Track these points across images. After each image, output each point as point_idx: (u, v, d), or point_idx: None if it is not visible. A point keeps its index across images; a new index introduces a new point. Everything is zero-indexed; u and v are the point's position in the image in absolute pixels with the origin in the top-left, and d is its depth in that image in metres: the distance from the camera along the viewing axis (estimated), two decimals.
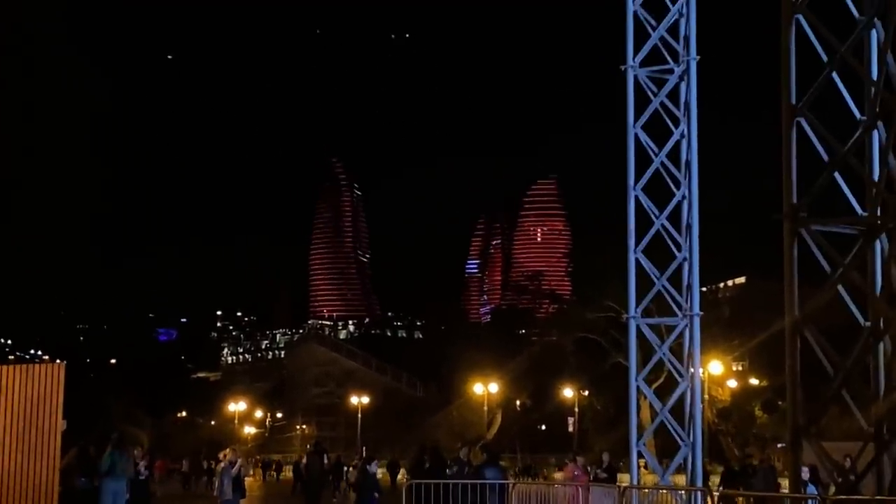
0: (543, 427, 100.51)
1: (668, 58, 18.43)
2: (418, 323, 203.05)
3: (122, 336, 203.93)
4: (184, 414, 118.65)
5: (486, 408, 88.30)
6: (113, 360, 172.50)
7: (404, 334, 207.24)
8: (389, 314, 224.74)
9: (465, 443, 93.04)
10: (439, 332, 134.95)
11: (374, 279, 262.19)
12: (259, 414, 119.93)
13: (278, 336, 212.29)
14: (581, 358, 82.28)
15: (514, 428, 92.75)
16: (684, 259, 17.08)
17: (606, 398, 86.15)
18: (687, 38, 18.21)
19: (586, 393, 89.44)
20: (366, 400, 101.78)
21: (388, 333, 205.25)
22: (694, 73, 17.99)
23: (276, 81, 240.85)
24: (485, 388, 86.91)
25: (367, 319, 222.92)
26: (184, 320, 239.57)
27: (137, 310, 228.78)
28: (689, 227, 17.61)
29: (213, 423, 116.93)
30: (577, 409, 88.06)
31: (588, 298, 75.77)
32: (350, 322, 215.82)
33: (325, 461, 26.68)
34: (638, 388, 20.69)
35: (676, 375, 17.54)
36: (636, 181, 17.90)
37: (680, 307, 17.73)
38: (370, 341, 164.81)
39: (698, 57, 17.97)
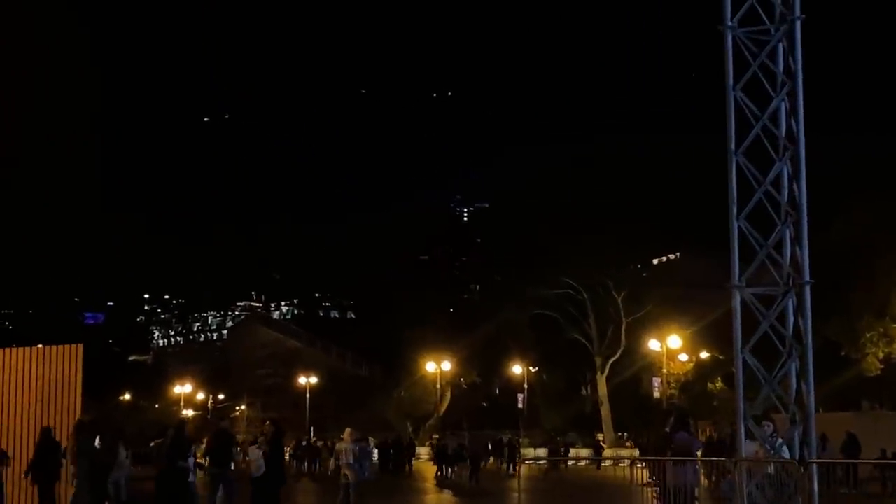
0: (485, 404, 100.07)
1: (766, 18, 17.62)
2: (350, 303, 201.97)
3: (48, 320, 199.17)
4: (128, 397, 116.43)
5: (438, 386, 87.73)
6: (40, 345, 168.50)
7: (336, 315, 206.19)
8: (317, 295, 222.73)
9: (414, 420, 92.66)
10: (377, 311, 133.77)
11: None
12: (201, 396, 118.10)
13: (210, 319, 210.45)
14: (536, 334, 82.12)
15: (463, 405, 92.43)
16: (791, 224, 16.34)
17: (559, 375, 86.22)
18: None
19: (535, 370, 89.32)
20: (314, 380, 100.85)
21: (321, 314, 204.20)
22: (798, 33, 17.19)
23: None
24: (437, 367, 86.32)
25: (296, 301, 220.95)
26: (111, 304, 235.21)
27: (62, 294, 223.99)
28: (791, 194, 16.92)
29: (156, 406, 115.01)
30: (526, 386, 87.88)
31: (544, 275, 75.39)
32: (283, 303, 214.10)
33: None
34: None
35: (779, 345, 16.67)
36: (737, 146, 17.14)
37: (782, 277, 16.92)
38: (309, 322, 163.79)
39: (803, 16, 17.18)
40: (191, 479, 23.28)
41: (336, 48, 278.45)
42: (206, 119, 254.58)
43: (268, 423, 25.95)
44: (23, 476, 24.26)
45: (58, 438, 24.79)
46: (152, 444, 28.03)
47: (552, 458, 58.23)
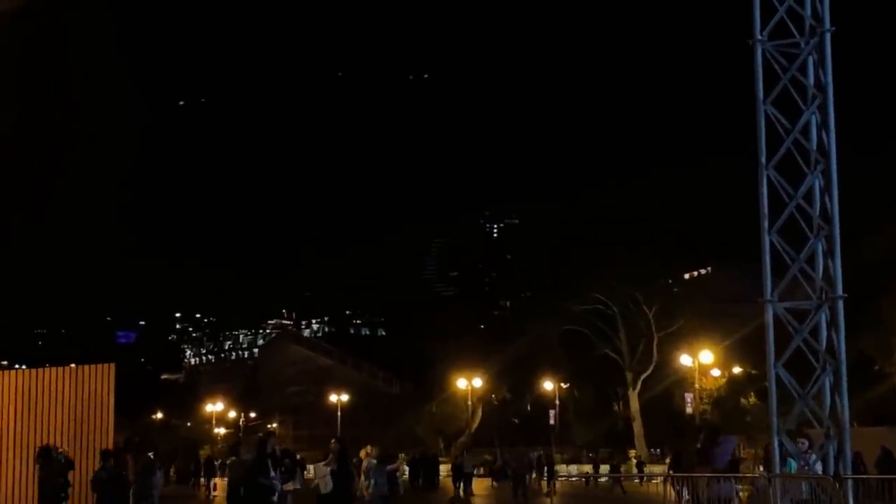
0: (516, 420, 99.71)
1: (795, 31, 17.53)
2: (381, 320, 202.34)
3: (81, 340, 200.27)
4: (160, 415, 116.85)
5: (469, 402, 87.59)
6: (73, 365, 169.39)
7: (367, 332, 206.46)
8: (347, 312, 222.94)
9: (445, 437, 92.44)
10: (407, 327, 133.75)
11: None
12: (232, 414, 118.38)
13: (241, 337, 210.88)
14: (566, 350, 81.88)
15: (494, 421, 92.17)
16: (824, 238, 16.25)
17: (590, 391, 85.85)
18: (816, 9, 17.36)
19: (566, 386, 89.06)
20: (345, 398, 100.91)
21: (352, 332, 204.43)
22: (828, 46, 17.10)
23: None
24: (468, 383, 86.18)
25: (326, 318, 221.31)
26: (142, 323, 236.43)
27: (95, 313, 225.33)
28: (823, 208, 16.80)
29: (188, 424, 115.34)
30: (557, 402, 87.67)
31: (574, 290, 75.18)
32: (314, 321, 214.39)
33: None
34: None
35: (812, 360, 16.53)
36: (768, 160, 17.06)
37: (814, 291, 16.80)
38: (339, 339, 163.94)
39: (833, 28, 17.07)
40: (275, 498, 23.13)
41: (373, 66, 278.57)
42: (241, 146, 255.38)
43: (334, 441, 25.87)
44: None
45: (93, 452, 24.96)
46: (228, 461, 28.09)
47: (613, 475, 57.54)
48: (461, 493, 49.91)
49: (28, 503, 25.42)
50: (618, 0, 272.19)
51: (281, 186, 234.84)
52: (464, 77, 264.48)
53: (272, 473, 22.95)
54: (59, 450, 24.32)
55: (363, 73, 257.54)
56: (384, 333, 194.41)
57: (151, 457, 38.96)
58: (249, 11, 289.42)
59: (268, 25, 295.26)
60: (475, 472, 60.76)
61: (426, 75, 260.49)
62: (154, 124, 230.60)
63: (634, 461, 70.00)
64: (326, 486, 23.64)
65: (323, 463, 24.17)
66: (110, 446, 25.38)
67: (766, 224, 17.19)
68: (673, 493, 23.44)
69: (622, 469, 64.53)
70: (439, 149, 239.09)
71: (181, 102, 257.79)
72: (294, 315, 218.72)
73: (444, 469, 65.30)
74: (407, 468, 57.61)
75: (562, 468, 69.23)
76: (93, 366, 27.14)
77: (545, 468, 59.27)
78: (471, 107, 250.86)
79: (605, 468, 65.18)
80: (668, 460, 70.82)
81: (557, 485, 36.31)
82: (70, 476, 24.14)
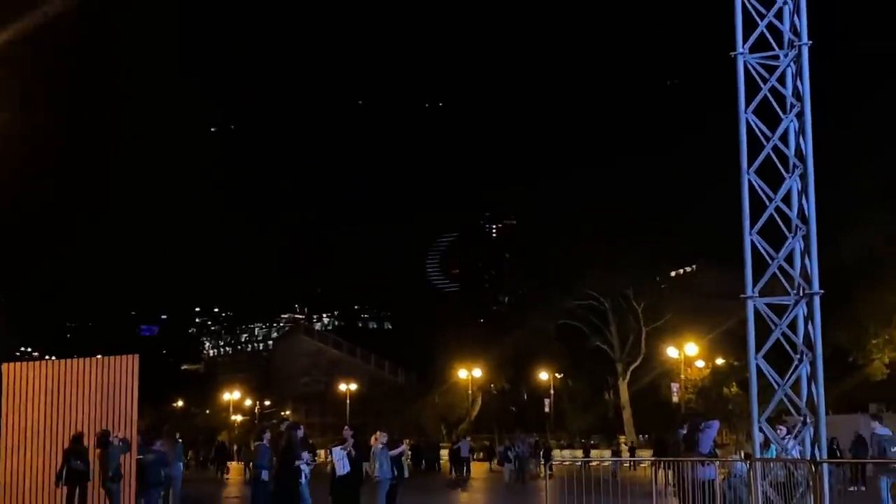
0: (514, 408, 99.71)
1: (774, 44, 17.55)
2: (387, 314, 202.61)
3: (106, 332, 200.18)
4: (180, 404, 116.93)
5: (469, 391, 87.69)
6: (99, 356, 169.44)
7: (374, 325, 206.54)
8: (356, 307, 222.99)
9: (448, 424, 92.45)
10: (412, 321, 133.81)
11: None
12: (248, 402, 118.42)
13: (256, 330, 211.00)
14: (561, 342, 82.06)
15: (493, 409, 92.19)
16: (801, 238, 16.28)
17: (583, 381, 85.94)
18: (794, 25, 17.39)
19: (560, 376, 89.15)
20: (353, 387, 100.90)
21: (360, 325, 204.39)
22: (806, 58, 17.10)
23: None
24: (469, 374, 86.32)
25: (336, 312, 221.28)
26: (164, 317, 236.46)
27: (120, 308, 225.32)
28: (801, 209, 16.82)
29: (207, 411, 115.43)
30: (552, 391, 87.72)
31: (569, 287, 75.30)
32: (324, 315, 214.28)
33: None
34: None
35: (790, 352, 16.56)
36: (749, 165, 17.10)
37: (792, 287, 16.83)
38: (349, 332, 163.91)
39: (810, 42, 17.06)
40: (302, 480, 23.14)
41: (383, 73, 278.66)
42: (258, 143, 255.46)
43: (347, 427, 25.98)
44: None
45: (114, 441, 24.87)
46: (253, 447, 28.09)
47: (613, 459, 57.56)
48: (462, 474, 50.18)
49: (56, 489, 25.35)
50: (605, 23, 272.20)
51: (295, 192, 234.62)
52: (471, 100, 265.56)
53: (304, 456, 23.07)
54: (117, 435, 24.31)
55: (382, 101, 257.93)
56: (390, 327, 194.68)
57: (179, 441, 39.15)
58: (276, 45, 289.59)
59: (294, 58, 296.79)
60: (473, 457, 61.07)
61: (440, 104, 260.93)
62: (187, 143, 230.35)
63: (626, 447, 70.03)
64: (343, 468, 23.76)
65: (340, 447, 24.27)
66: (135, 432, 25.36)
67: (747, 225, 17.18)
68: (660, 477, 23.52)
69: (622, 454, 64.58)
70: (443, 158, 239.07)
71: (213, 129, 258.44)
72: (306, 310, 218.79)
73: (444, 454, 65.44)
74: (410, 453, 57.69)
75: (557, 453, 69.25)
76: (118, 357, 27.05)
77: (541, 453, 59.45)
78: (476, 127, 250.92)
79: (596, 453, 65.15)
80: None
81: (556, 469, 36.29)
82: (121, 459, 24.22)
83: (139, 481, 24.17)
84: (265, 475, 23.21)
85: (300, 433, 23.84)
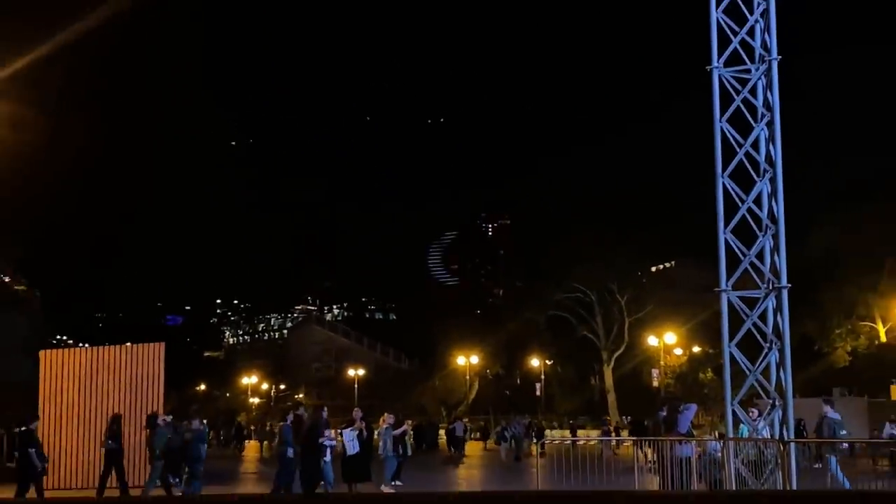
0: (508, 392, 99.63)
1: (746, 59, 17.51)
2: (392, 306, 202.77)
3: (135, 322, 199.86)
4: (203, 387, 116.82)
5: (467, 377, 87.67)
6: (128, 344, 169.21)
7: (380, 316, 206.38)
8: (363, 299, 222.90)
9: (447, 406, 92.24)
10: (415, 313, 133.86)
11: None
12: (265, 386, 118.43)
13: (272, 320, 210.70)
14: (551, 332, 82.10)
15: (488, 393, 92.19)
16: (771, 236, 16.27)
17: (571, 367, 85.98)
18: (765, 41, 17.34)
19: (550, 362, 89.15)
20: (361, 372, 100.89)
21: (367, 316, 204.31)
22: (776, 72, 17.06)
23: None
24: (466, 360, 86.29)
25: (345, 304, 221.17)
26: (188, 308, 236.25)
27: (147, 300, 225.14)
28: (770, 210, 16.79)
29: (227, 394, 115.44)
30: (543, 377, 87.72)
31: (558, 281, 75.37)
32: (335, 307, 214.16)
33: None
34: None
35: (761, 341, 16.59)
36: (723, 169, 17.07)
37: (763, 281, 16.82)
38: (357, 323, 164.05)
39: (779, 57, 17.03)
40: (327, 457, 22.94)
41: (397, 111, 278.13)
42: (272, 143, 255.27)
43: (356, 410, 25.93)
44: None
45: (143, 422, 24.89)
46: (279, 426, 27.97)
47: (601, 439, 57.62)
48: (456, 453, 50.14)
49: (91, 467, 25.36)
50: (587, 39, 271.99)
51: (309, 197, 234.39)
52: (469, 115, 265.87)
53: (327, 433, 23.00)
54: (164, 417, 24.25)
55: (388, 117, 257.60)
56: (395, 317, 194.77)
57: (204, 423, 39.04)
58: (294, 69, 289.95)
59: (310, 79, 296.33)
60: (470, 437, 60.97)
61: (442, 119, 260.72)
62: (211, 155, 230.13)
63: (612, 427, 70.05)
64: (354, 447, 23.73)
65: (350, 429, 24.22)
66: (162, 414, 25.30)
67: (721, 224, 17.19)
68: (641, 455, 23.52)
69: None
70: (443, 165, 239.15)
71: (233, 143, 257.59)
72: (318, 302, 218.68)
73: (442, 433, 65.35)
74: (412, 433, 57.57)
75: (549, 433, 69.24)
76: (145, 345, 27.17)
77: (534, 433, 59.42)
78: (470, 137, 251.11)
79: (582, 433, 65.14)
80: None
81: (549, 447, 36.39)
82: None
83: (181, 458, 24.08)
84: (290, 452, 23.17)
85: (325, 414, 23.76)
